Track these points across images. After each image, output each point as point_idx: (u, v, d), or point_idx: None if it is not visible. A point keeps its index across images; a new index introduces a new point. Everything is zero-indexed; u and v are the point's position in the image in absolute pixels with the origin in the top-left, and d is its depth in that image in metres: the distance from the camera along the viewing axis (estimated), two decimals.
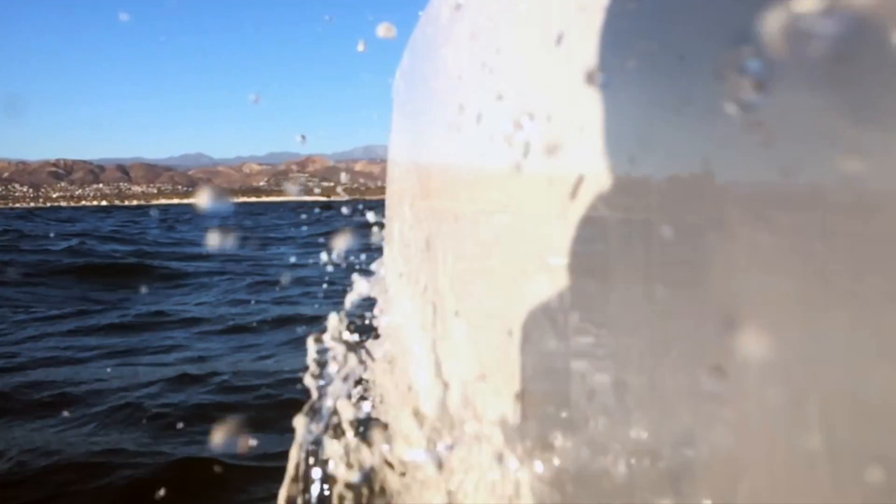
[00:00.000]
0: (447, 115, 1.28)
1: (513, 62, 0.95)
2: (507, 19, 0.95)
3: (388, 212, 2.13)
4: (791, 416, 0.54)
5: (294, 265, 8.78)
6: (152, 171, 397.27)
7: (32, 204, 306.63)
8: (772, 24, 0.52)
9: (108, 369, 3.64)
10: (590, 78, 0.73)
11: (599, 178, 0.75)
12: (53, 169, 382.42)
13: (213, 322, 4.88)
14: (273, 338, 4.40)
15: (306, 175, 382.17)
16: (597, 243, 0.76)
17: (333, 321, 1.71)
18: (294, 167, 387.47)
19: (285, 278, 7.01)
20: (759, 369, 0.55)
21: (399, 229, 1.68)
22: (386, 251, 1.85)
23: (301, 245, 13.37)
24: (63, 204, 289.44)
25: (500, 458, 0.88)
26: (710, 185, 0.60)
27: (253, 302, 5.77)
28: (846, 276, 0.49)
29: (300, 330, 4.23)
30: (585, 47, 0.73)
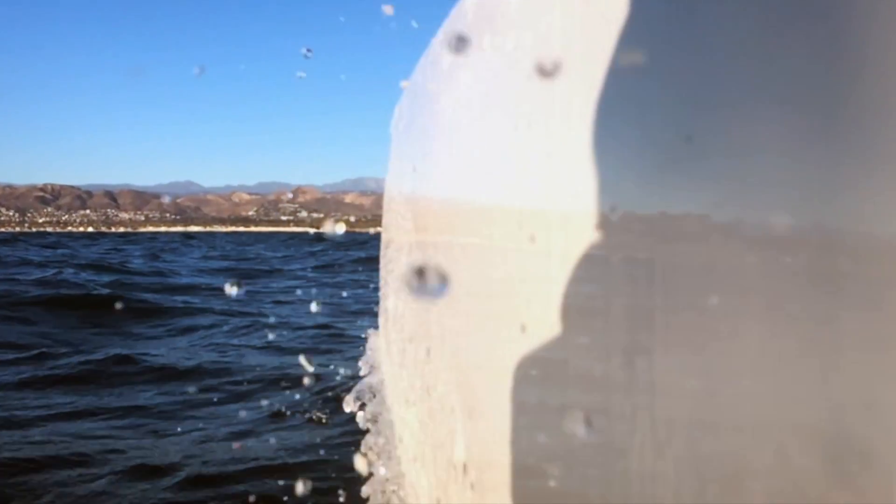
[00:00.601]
0: (447, 154, 1.48)
1: (511, 107, 1.07)
2: (507, 68, 1.07)
3: (384, 252, 2.41)
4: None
5: (280, 301, 8.26)
6: (140, 198, 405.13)
7: (18, 229, 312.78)
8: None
9: (46, 445, 2.88)
10: (583, 124, 0.81)
11: (595, 216, 0.82)
12: (41, 194, 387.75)
13: (186, 377, 4.19)
14: (255, 408, 3.55)
15: (296, 206, 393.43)
16: (596, 282, 0.83)
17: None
18: (284, 197, 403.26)
19: (272, 320, 6.46)
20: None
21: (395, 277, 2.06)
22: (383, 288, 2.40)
23: (291, 278, 12.65)
24: (49, 229, 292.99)
25: None
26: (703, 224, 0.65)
27: (234, 351, 5.14)
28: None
29: (286, 397, 3.55)
30: (580, 97, 0.82)
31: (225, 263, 17.52)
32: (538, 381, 0.97)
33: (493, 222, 1.17)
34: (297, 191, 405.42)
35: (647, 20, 0.74)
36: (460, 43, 1.23)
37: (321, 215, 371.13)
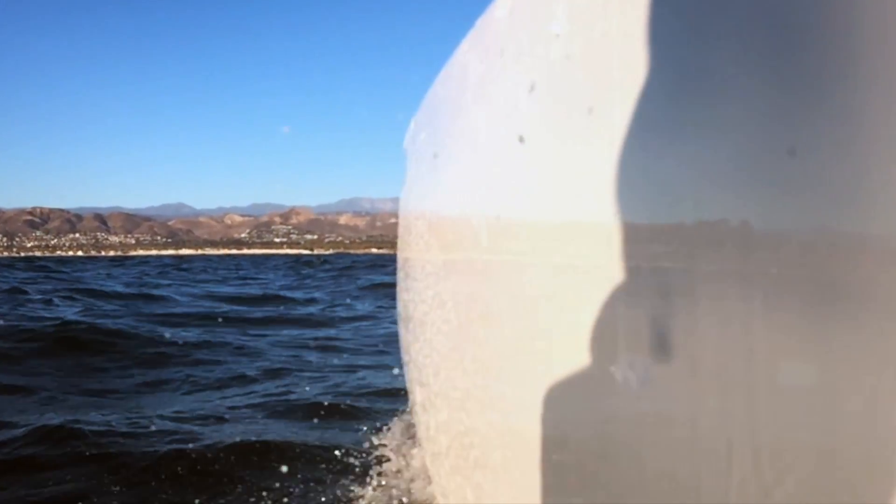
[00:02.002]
0: (479, 170, 1.48)
1: (548, 121, 1.12)
2: (546, 80, 1.12)
3: (402, 273, 2.47)
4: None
5: (277, 344, 7.79)
6: (131, 220, 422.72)
7: (6, 253, 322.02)
8: None
9: None
10: (612, 136, 0.88)
11: (624, 228, 0.89)
12: (29, 217, 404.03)
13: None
14: None
15: (289, 227, 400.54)
16: (625, 292, 0.90)
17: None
18: (277, 219, 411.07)
19: (259, 372, 5.95)
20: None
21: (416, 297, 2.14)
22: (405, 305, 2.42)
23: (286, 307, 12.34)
24: (38, 254, 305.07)
25: None
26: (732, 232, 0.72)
27: (213, 416, 4.46)
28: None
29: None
30: (620, 112, 0.90)
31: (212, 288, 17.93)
32: (575, 393, 1.03)
33: (529, 237, 1.22)
34: (291, 212, 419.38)
35: (681, 33, 0.81)
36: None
37: (315, 237, 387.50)
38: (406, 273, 2.56)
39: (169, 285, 20.94)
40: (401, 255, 2.76)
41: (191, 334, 8.75)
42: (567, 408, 1.13)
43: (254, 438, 3.98)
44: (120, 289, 17.51)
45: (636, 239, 0.94)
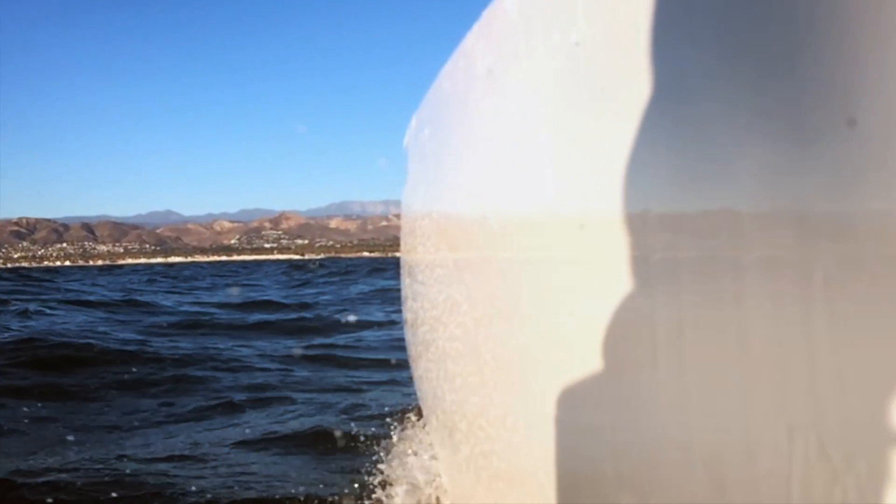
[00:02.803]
0: (490, 166, 1.45)
1: (560, 114, 1.12)
2: (558, 73, 1.12)
3: (408, 275, 2.39)
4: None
5: (261, 369, 6.52)
6: (119, 229, 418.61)
7: None
8: None
9: None
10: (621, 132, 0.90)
11: (635, 220, 0.90)
12: (15, 228, 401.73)
13: None
14: None
15: (279, 232, 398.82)
16: (635, 283, 0.90)
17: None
18: (267, 224, 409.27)
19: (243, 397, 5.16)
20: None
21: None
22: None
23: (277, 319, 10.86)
24: (25, 264, 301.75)
25: None
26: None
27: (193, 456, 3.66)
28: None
29: None
30: (627, 105, 0.92)
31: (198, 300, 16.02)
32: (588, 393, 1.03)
33: (542, 234, 1.22)
34: (281, 217, 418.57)
35: (680, 31, 0.84)
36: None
37: (306, 241, 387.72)
38: (412, 277, 2.47)
39: (155, 292, 20.21)
40: (405, 259, 2.66)
41: (188, 345, 8.17)
42: (603, 403, 1.10)
43: (240, 488, 3.35)
44: (106, 296, 16.84)
45: (656, 228, 0.94)
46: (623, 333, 1.04)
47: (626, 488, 1.09)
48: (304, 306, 14.14)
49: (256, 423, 4.75)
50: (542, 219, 1.28)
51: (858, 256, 0.66)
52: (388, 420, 4.36)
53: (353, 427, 4.28)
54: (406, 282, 2.70)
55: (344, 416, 4.69)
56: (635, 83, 0.96)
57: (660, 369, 0.97)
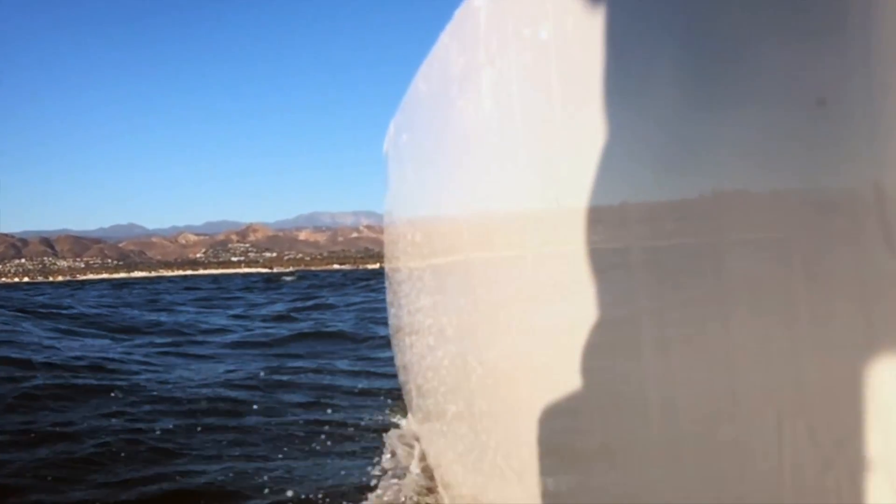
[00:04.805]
0: (471, 166, 1.46)
1: (539, 109, 1.14)
2: (533, 68, 1.14)
3: (394, 281, 2.50)
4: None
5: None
6: (80, 243, 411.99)
7: None
8: None
9: None
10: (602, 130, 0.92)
11: (618, 213, 0.93)
12: None
13: None
14: None
15: (247, 245, 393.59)
16: (617, 272, 0.93)
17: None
18: (234, 237, 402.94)
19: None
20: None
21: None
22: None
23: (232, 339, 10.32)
24: None
25: None
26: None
27: None
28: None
29: None
30: (600, 99, 0.93)
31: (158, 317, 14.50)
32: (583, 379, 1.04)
33: (529, 231, 1.24)
34: (248, 229, 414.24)
35: (652, 25, 0.86)
36: None
37: (274, 254, 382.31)
38: (396, 284, 2.56)
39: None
40: (389, 266, 2.81)
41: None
42: (592, 396, 1.11)
43: None
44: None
45: (633, 220, 0.94)
46: (607, 328, 1.04)
47: (616, 484, 1.09)
48: None
49: None
50: (523, 218, 1.28)
51: (835, 237, 0.66)
52: None
53: None
54: (391, 288, 2.82)
55: None
56: (604, 77, 0.97)
57: (645, 362, 0.97)
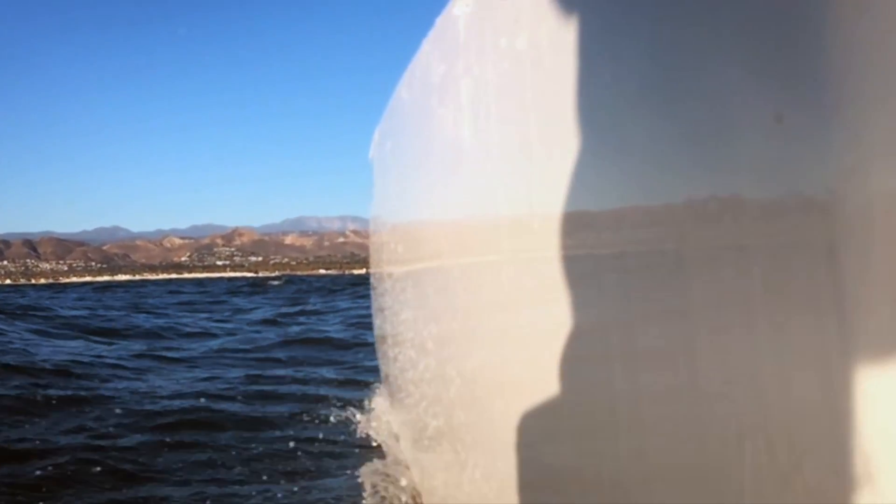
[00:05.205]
0: (447, 171, 1.46)
1: (519, 113, 1.14)
2: (511, 74, 1.14)
3: (379, 288, 2.58)
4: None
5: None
6: (63, 246, 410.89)
7: None
8: None
9: None
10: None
11: (606, 216, 0.93)
12: None
13: None
14: None
15: (232, 249, 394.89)
16: (593, 278, 0.93)
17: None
18: (219, 240, 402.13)
19: None
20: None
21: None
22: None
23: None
24: None
25: None
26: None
27: None
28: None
29: None
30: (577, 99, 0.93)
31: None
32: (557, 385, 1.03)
33: (505, 238, 1.24)
34: (234, 233, 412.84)
35: (620, 36, 0.88)
36: None
37: (260, 258, 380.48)
38: (380, 292, 2.62)
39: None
40: (374, 273, 2.86)
41: None
42: (567, 403, 1.10)
43: None
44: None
45: (615, 227, 0.94)
46: (578, 339, 1.04)
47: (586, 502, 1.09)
48: None
49: None
50: (495, 224, 1.29)
51: (793, 248, 0.67)
52: None
53: None
54: (375, 294, 2.93)
55: None
56: (576, 86, 0.98)
57: (614, 376, 0.97)
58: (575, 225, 1.04)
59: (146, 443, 4.48)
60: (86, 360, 7.97)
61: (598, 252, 1.01)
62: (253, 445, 4.54)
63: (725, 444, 0.77)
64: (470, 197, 1.46)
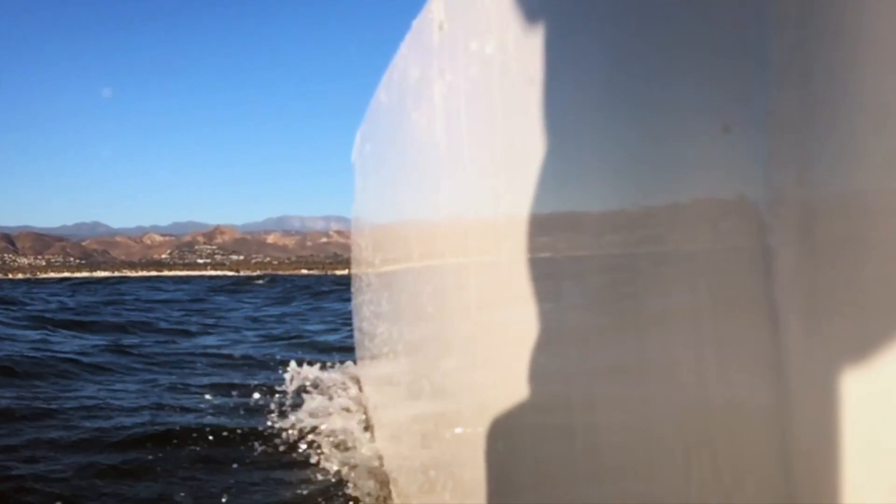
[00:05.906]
0: (419, 174, 1.48)
1: (491, 114, 1.15)
2: (483, 77, 1.16)
3: (360, 287, 2.83)
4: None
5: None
6: (41, 241, 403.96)
7: None
8: None
9: None
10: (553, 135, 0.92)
11: (580, 218, 0.93)
12: None
13: None
14: None
15: (214, 247, 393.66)
16: (568, 276, 0.93)
17: None
18: (200, 238, 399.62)
19: None
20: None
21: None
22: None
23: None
24: None
25: None
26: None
27: None
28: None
29: None
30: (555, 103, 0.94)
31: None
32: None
33: (472, 240, 1.26)
34: (215, 231, 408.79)
35: (584, 41, 0.88)
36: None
37: (241, 257, 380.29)
38: (358, 289, 2.95)
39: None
40: (353, 273, 3.09)
41: None
42: (524, 418, 1.13)
43: None
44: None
45: (579, 230, 0.95)
46: (540, 345, 1.05)
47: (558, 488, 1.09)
48: None
49: None
50: (463, 227, 1.32)
51: (735, 254, 0.67)
52: None
53: None
54: (354, 293, 3.11)
55: None
56: (542, 90, 0.99)
57: (572, 381, 0.99)
58: (540, 228, 1.04)
59: (82, 467, 3.54)
60: (39, 355, 6.96)
61: (559, 257, 1.01)
62: (209, 476, 3.62)
63: (673, 460, 0.77)
64: (441, 200, 1.48)
